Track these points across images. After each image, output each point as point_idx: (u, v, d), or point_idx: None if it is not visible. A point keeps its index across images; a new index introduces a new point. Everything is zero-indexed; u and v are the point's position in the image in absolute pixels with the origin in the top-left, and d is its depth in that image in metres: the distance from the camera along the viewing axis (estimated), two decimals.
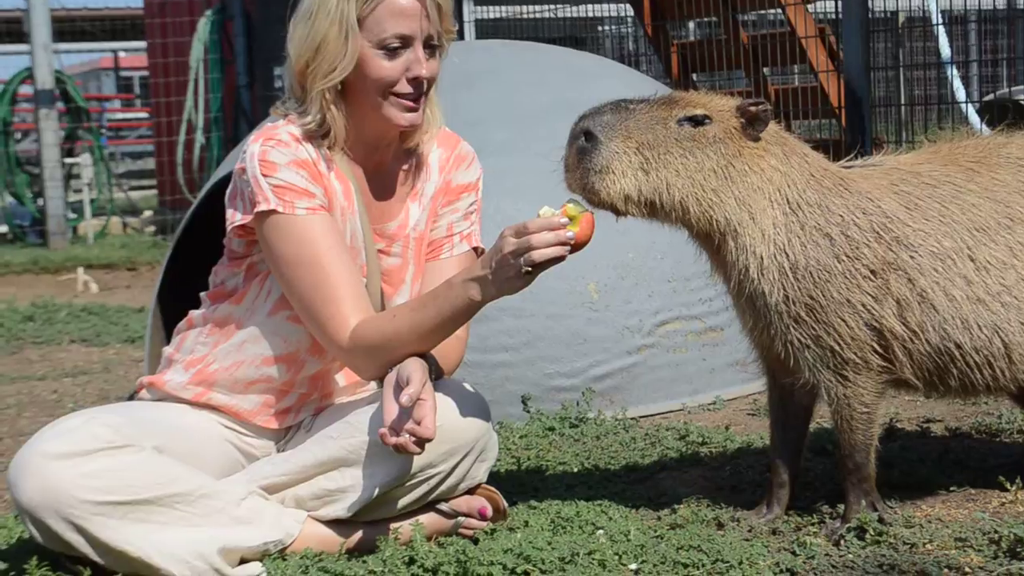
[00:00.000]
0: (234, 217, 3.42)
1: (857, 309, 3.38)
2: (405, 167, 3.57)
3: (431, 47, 3.41)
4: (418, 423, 3.17)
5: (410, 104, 3.41)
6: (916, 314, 3.40)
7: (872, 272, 3.38)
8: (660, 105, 3.43)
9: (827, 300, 3.38)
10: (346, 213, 3.45)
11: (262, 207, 3.33)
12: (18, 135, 16.12)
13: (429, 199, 3.58)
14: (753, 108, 3.41)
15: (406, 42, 3.36)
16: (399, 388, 3.22)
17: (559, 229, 3.13)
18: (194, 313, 3.62)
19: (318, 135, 3.41)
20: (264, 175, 3.34)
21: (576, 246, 3.15)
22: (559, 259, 3.15)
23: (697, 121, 3.41)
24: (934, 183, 3.52)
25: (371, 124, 3.45)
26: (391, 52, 3.36)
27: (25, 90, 13.73)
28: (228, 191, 3.47)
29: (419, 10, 3.36)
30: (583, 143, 3.38)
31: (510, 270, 3.15)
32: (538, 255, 3.12)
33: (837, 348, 3.40)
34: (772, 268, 3.39)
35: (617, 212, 3.41)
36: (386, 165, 3.54)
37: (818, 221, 3.40)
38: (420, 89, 3.41)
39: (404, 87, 3.39)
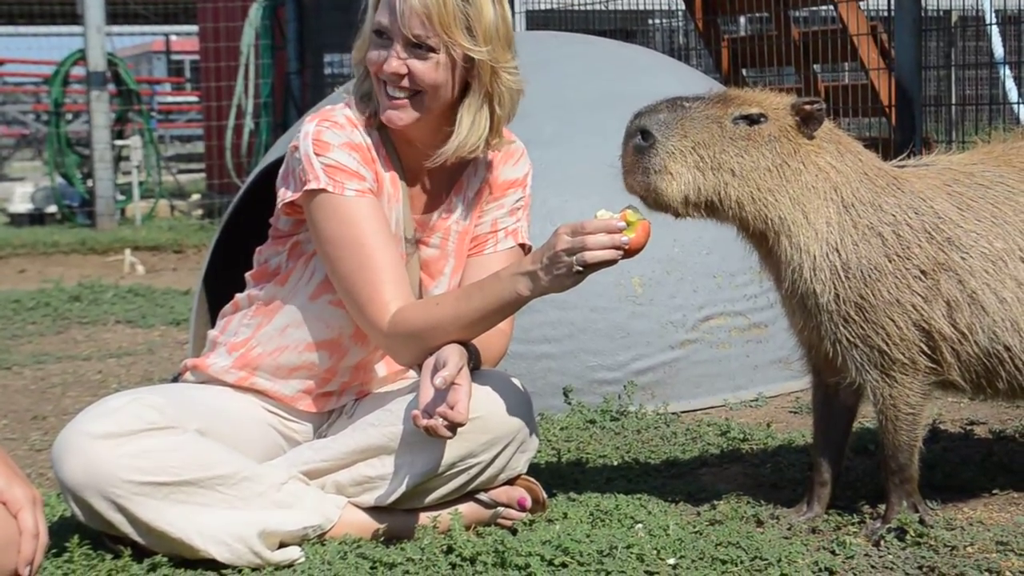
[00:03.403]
0: (284, 195, 3.44)
1: (907, 309, 3.36)
2: (456, 163, 3.55)
3: (417, 48, 3.34)
4: (451, 407, 3.17)
5: (392, 100, 3.38)
6: (966, 315, 3.38)
7: (923, 272, 3.37)
8: (715, 103, 3.42)
9: (877, 299, 3.36)
10: (392, 201, 3.46)
11: (312, 185, 3.34)
12: (69, 116, 16.22)
13: (475, 194, 3.58)
14: (808, 106, 3.39)
15: (386, 33, 3.36)
16: (436, 372, 3.23)
17: (615, 232, 3.12)
18: (239, 296, 3.64)
19: (368, 108, 3.44)
20: (317, 154, 3.35)
21: (629, 252, 3.15)
22: (611, 262, 3.15)
23: (753, 120, 3.39)
24: (987, 184, 3.49)
25: None
26: (377, 39, 3.37)
27: (77, 72, 13.81)
28: (281, 170, 3.49)
29: (407, 9, 3.31)
30: (640, 141, 3.36)
31: (562, 267, 3.14)
32: (591, 256, 3.12)
33: (885, 348, 3.38)
34: (824, 267, 3.38)
35: (677, 214, 3.41)
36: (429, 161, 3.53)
37: (871, 220, 3.38)
38: (395, 84, 3.37)
39: (383, 77, 3.38)
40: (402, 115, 3.39)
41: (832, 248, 3.38)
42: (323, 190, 3.35)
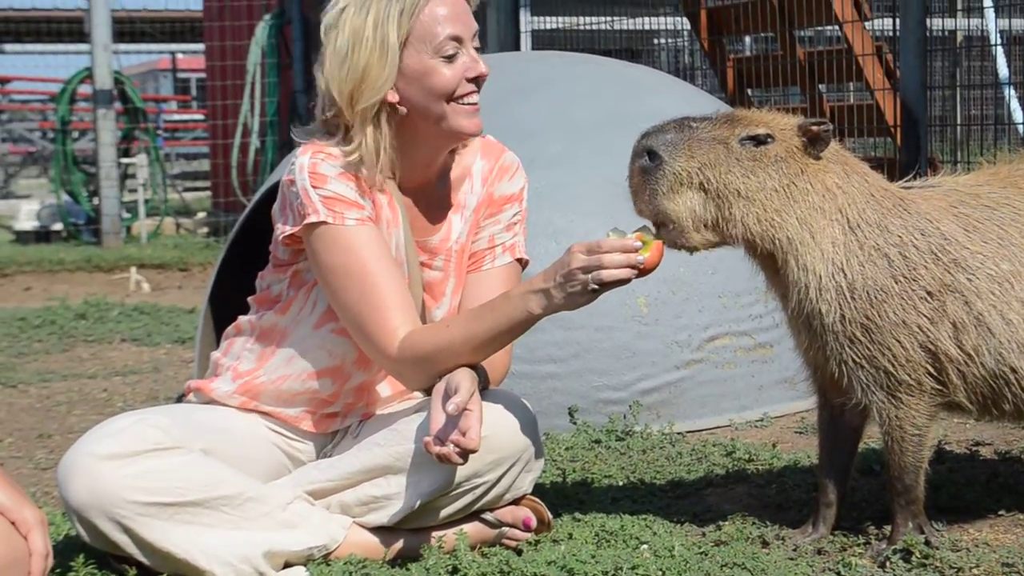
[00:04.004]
0: (283, 229, 3.43)
1: (912, 331, 3.36)
2: (448, 180, 3.56)
3: (472, 43, 3.42)
4: (463, 434, 3.17)
5: (473, 107, 3.40)
6: (972, 337, 3.38)
7: (929, 294, 3.36)
8: (722, 124, 3.41)
9: (883, 320, 3.36)
10: (391, 226, 3.46)
11: (312, 219, 3.34)
12: (76, 134, 16.25)
13: (471, 211, 3.58)
14: (815, 127, 3.39)
15: (459, 42, 3.37)
16: (447, 397, 3.22)
17: (631, 252, 3.13)
18: (242, 319, 3.64)
19: (358, 164, 3.38)
20: (314, 187, 3.34)
21: (643, 271, 3.16)
22: (626, 281, 3.15)
23: (759, 140, 3.38)
24: (993, 205, 3.49)
25: (434, 142, 3.45)
26: (450, 58, 3.37)
27: (84, 89, 13.83)
28: (276, 203, 3.48)
29: (462, 7, 3.38)
30: (646, 162, 3.36)
31: (577, 285, 3.14)
32: (607, 275, 3.12)
33: (891, 369, 3.38)
34: (830, 287, 3.37)
35: (685, 237, 3.39)
36: (432, 181, 3.54)
37: (877, 241, 3.38)
38: (477, 88, 3.41)
39: (465, 88, 3.38)
40: (480, 119, 3.44)
41: (838, 268, 3.37)
42: (323, 222, 3.34)
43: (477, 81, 3.40)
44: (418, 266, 3.51)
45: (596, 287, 3.14)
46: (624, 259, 3.12)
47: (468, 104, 3.39)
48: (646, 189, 3.35)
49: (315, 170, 3.35)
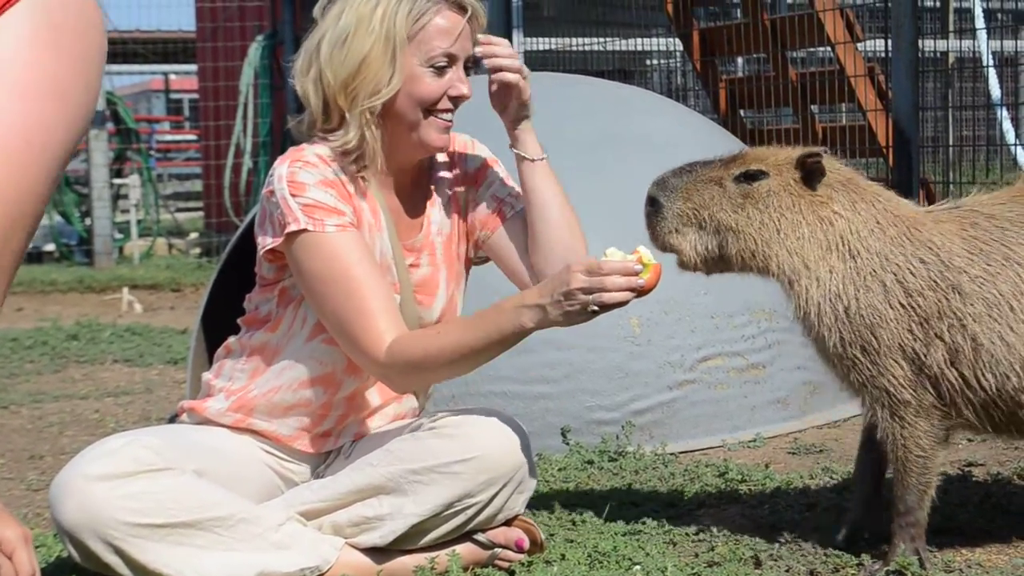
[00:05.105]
0: (265, 241, 3.42)
1: (908, 355, 3.38)
2: (426, 178, 3.61)
3: (466, 68, 3.44)
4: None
5: (447, 123, 3.44)
6: (969, 360, 3.38)
7: (924, 320, 3.38)
8: (723, 164, 3.57)
9: (879, 344, 3.39)
10: (373, 231, 3.46)
11: (292, 227, 3.33)
12: None
13: (449, 198, 3.62)
14: (808, 160, 3.48)
15: (451, 60, 3.39)
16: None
17: (632, 276, 3.14)
18: (232, 340, 3.64)
19: (352, 156, 3.42)
20: (293, 195, 3.34)
21: (641, 293, 3.17)
22: (624, 303, 3.16)
23: (751, 176, 3.51)
24: (1006, 225, 3.49)
25: (404, 145, 3.47)
26: (439, 70, 3.38)
27: None
28: (257, 217, 3.48)
29: (466, 31, 3.40)
30: (649, 208, 3.58)
31: (576, 305, 3.14)
32: (608, 297, 3.12)
33: (892, 390, 3.40)
34: (828, 313, 3.43)
35: (697, 269, 3.58)
36: (408, 183, 3.56)
37: (874, 268, 3.42)
38: (455, 107, 3.44)
39: (445, 103, 3.42)
40: (450, 137, 3.49)
41: (835, 295, 3.42)
42: (304, 230, 3.34)
43: (456, 101, 3.42)
44: (406, 269, 3.51)
45: (596, 309, 3.14)
46: (625, 282, 3.12)
47: (442, 120, 3.42)
48: (655, 232, 3.58)
49: (293, 179, 3.35)
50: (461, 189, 3.64)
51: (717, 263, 3.55)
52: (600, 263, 3.14)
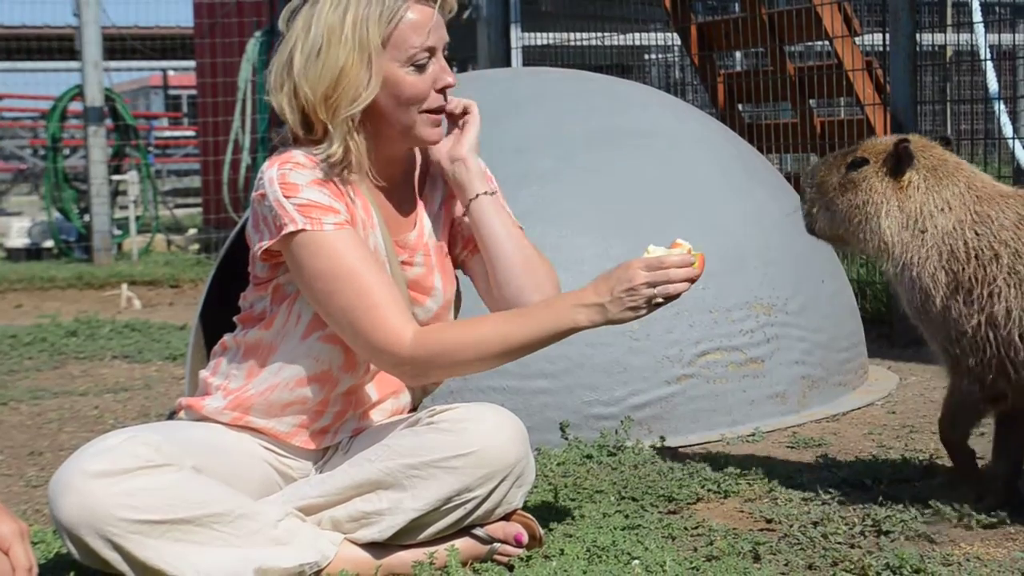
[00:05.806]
0: (260, 244, 3.41)
1: (959, 322, 3.75)
2: (414, 176, 3.61)
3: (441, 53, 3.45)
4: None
5: (438, 118, 3.45)
6: (1017, 328, 3.67)
7: (968, 290, 3.72)
8: (845, 152, 4.04)
9: (936, 311, 3.79)
10: (367, 227, 3.46)
11: (289, 228, 3.32)
12: (67, 151, 16.24)
13: (439, 207, 3.62)
14: (898, 147, 3.88)
15: (432, 54, 3.39)
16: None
17: (689, 267, 3.25)
18: (227, 337, 3.63)
19: (338, 168, 3.40)
20: (287, 196, 3.33)
21: (692, 282, 3.30)
22: (681, 294, 3.28)
23: (856, 164, 3.96)
24: None
25: (395, 145, 3.47)
26: (420, 67, 3.38)
27: (75, 107, 13.83)
28: (248, 222, 3.47)
29: (438, 20, 3.40)
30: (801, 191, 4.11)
31: (640, 299, 3.23)
32: (674, 289, 3.24)
33: (947, 347, 3.82)
34: (903, 279, 3.87)
35: (832, 243, 4.23)
36: (397, 178, 3.56)
37: (937, 242, 3.81)
38: (445, 99, 3.44)
39: (434, 100, 3.42)
40: (444, 129, 3.51)
41: (905, 267, 3.85)
42: (302, 230, 3.33)
43: (443, 91, 3.43)
44: (399, 265, 3.51)
45: (661, 301, 3.23)
46: (685, 273, 3.24)
47: (434, 116, 3.44)
48: (806, 213, 4.09)
49: (285, 180, 3.35)
50: (451, 203, 3.65)
51: (839, 243, 4.12)
52: (662, 258, 3.24)
